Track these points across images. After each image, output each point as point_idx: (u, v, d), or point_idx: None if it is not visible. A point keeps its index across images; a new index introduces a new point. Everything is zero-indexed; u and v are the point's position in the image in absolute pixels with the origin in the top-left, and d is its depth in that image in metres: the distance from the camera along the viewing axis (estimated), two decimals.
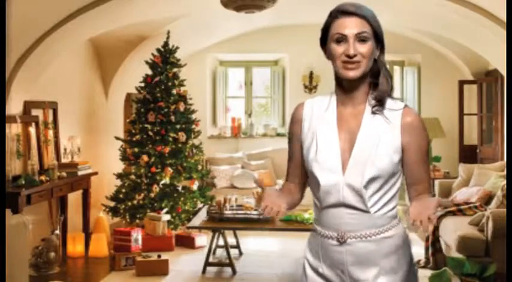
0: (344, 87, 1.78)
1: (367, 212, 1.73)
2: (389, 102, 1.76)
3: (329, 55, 1.76)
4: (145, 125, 6.27)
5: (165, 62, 6.42)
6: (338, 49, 1.71)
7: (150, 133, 6.26)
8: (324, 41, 1.78)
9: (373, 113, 1.75)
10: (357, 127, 1.75)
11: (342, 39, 1.71)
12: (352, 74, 1.71)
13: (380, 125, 1.74)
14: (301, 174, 1.88)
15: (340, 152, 1.75)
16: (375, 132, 1.73)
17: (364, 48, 1.70)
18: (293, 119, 1.88)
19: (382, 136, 1.73)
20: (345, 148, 1.75)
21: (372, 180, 1.70)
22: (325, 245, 1.79)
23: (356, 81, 1.75)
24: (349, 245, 1.74)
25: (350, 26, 1.70)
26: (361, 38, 1.70)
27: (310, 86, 8.66)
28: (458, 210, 5.31)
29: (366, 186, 1.70)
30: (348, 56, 1.69)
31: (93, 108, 6.89)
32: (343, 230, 1.75)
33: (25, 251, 4.29)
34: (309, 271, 1.86)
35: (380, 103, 1.75)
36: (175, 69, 6.47)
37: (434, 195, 6.86)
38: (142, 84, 6.46)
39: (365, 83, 1.77)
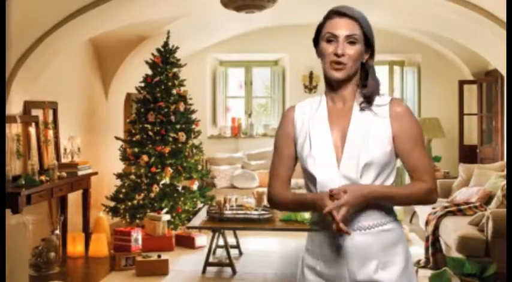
0: (333, 87, 1.84)
1: None
2: (376, 99, 1.82)
3: (319, 54, 1.83)
4: (145, 125, 6.27)
5: (165, 62, 6.42)
6: (328, 48, 1.78)
7: (150, 133, 6.26)
8: (317, 41, 1.84)
9: (362, 109, 1.80)
10: (347, 123, 1.80)
11: (332, 38, 1.78)
12: (338, 74, 1.78)
13: (369, 118, 1.79)
14: (290, 178, 1.92)
15: (333, 146, 1.79)
16: (365, 125, 1.78)
17: (352, 50, 1.77)
18: (285, 120, 1.91)
19: (372, 128, 1.77)
20: (338, 143, 1.79)
21: (366, 170, 1.74)
22: (323, 241, 1.80)
23: (344, 81, 1.81)
24: (348, 238, 1.75)
25: (341, 27, 1.77)
26: (350, 40, 1.77)
27: (310, 86, 8.66)
28: (458, 210, 5.30)
29: (361, 177, 1.74)
30: (336, 55, 1.76)
31: (93, 108, 6.89)
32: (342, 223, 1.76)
33: (25, 251, 4.29)
34: (306, 271, 1.87)
35: (368, 99, 1.81)
36: (175, 69, 6.47)
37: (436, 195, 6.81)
38: (143, 84, 6.45)
39: (352, 83, 1.83)
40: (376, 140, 1.76)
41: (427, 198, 1.79)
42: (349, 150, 1.76)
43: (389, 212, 1.81)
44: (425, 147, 1.83)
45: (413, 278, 1.84)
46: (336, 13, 1.79)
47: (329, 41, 1.78)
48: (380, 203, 1.75)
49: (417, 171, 1.78)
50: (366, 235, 1.76)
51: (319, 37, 1.82)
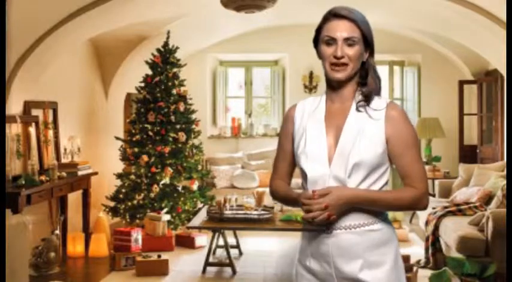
0: (334, 86, 1.86)
1: None
2: (375, 100, 1.83)
3: (320, 56, 1.86)
4: (145, 125, 6.27)
5: (165, 62, 6.42)
6: (327, 51, 1.81)
7: (150, 133, 6.26)
8: (317, 41, 1.87)
9: (358, 109, 1.82)
10: (342, 123, 1.82)
11: (331, 41, 1.80)
12: (339, 75, 1.81)
13: (365, 119, 1.81)
14: (291, 174, 1.98)
15: (327, 145, 1.81)
16: (359, 126, 1.80)
17: (352, 51, 1.79)
18: (286, 119, 1.96)
19: (366, 129, 1.79)
20: (332, 143, 1.82)
21: (355, 170, 1.76)
22: (313, 237, 1.84)
23: (344, 81, 1.83)
24: (334, 236, 1.79)
25: (340, 30, 1.79)
26: (349, 43, 1.79)
27: (310, 86, 8.66)
28: (458, 210, 5.31)
29: (349, 177, 1.76)
30: (336, 57, 1.78)
31: (93, 108, 6.89)
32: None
33: (25, 251, 4.29)
34: (298, 266, 1.92)
35: (365, 99, 1.83)
36: (175, 69, 6.47)
37: (432, 194, 6.85)
38: (142, 84, 6.46)
39: (353, 82, 1.85)
40: (368, 141, 1.77)
41: (414, 205, 1.81)
42: (341, 150, 1.78)
43: (379, 212, 1.81)
44: (419, 152, 1.83)
45: (402, 277, 1.85)
46: (333, 15, 1.81)
47: (328, 44, 1.80)
48: (363, 207, 1.76)
49: (408, 177, 1.79)
50: (352, 234, 1.78)
51: (319, 39, 1.84)
